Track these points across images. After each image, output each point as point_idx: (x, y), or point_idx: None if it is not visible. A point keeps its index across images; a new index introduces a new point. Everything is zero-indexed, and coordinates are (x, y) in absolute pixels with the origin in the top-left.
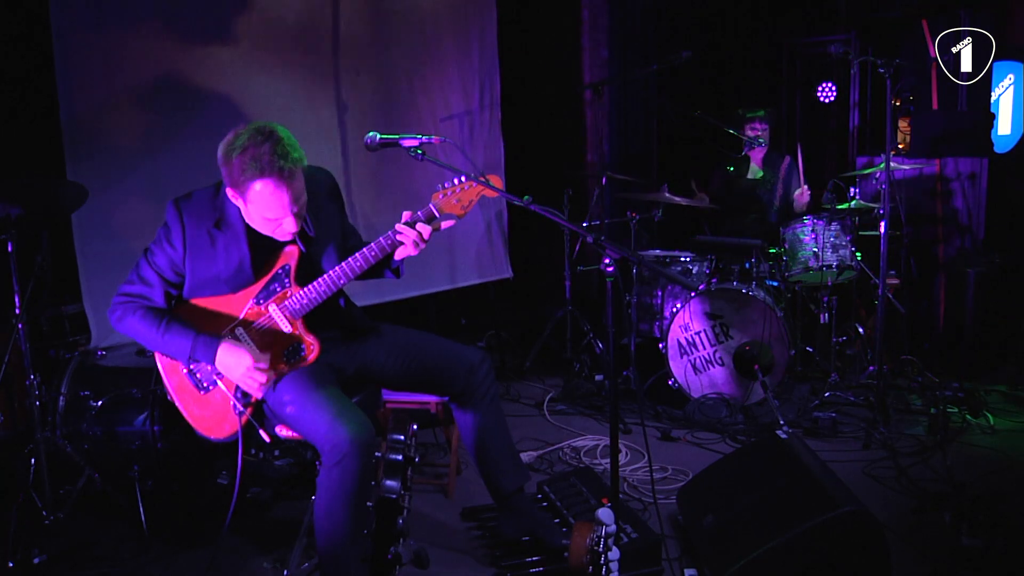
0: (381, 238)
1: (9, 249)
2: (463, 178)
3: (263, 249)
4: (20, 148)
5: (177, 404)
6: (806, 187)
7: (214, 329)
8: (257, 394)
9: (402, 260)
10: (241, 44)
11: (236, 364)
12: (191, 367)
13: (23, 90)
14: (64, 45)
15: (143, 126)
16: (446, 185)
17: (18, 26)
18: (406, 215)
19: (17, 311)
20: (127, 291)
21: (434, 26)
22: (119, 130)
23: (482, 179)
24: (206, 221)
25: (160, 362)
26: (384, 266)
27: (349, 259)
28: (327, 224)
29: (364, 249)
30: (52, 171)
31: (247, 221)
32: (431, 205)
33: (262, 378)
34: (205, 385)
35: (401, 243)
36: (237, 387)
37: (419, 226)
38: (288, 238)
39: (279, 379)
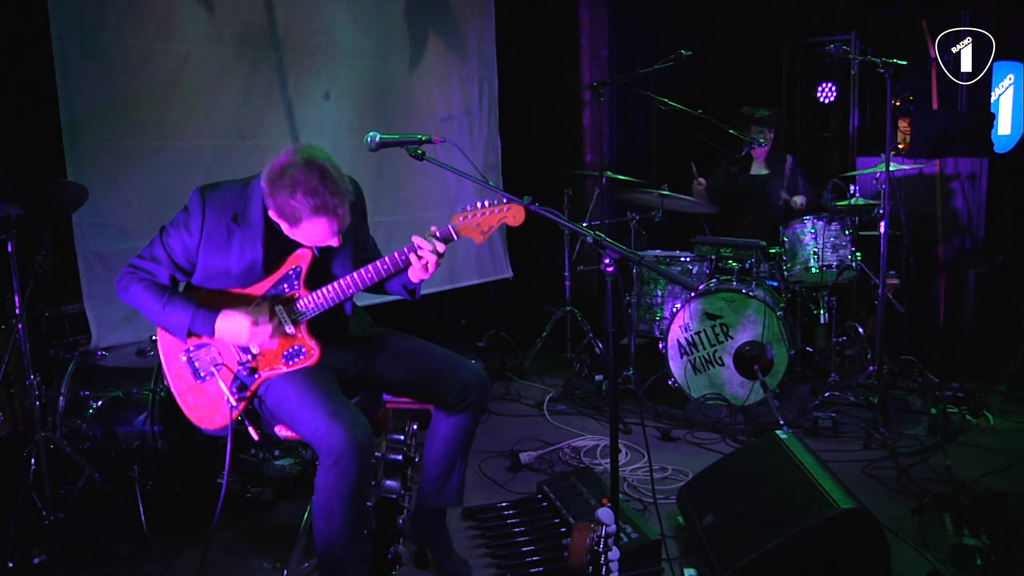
0: (395, 252)
1: (9, 249)
2: (485, 202)
3: (278, 249)
4: (20, 148)
5: (173, 390)
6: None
7: None
8: (272, 345)
9: (419, 282)
10: (239, 45)
11: (236, 328)
12: (190, 355)
13: (23, 90)
14: (64, 45)
15: (143, 126)
16: (467, 208)
17: (18, 26)
18: (429, 233)
19: (17, 311)
20: (136, 264)
21: (433, 26)
22: (119, 130)
23: (506, 205)
24: (227, 214)
25: (161, 347)
26: (400, 284)
27: (361, 269)
28: (346, 232)
29: (377, 261)
30: (52, 171)
31: (286, 234)
32: (450, 227)
33: (267, 329)
34: (202, 375)
35: (420, 257)
36: (233, 381)
37: (436, 243)
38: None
39: (278, 378)
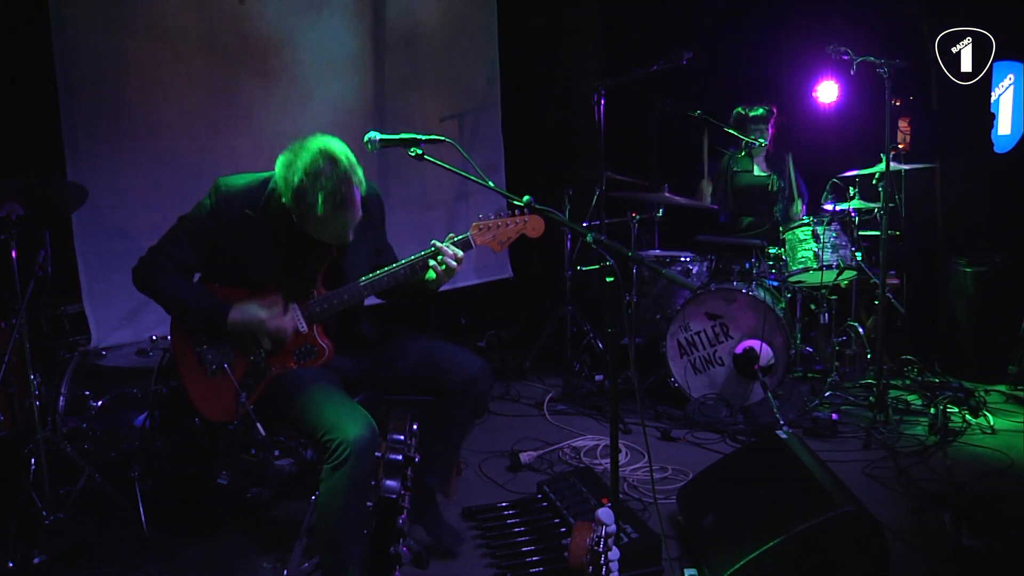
0: (413, 257)
1: (10, 249)
2: (502, 213)
3: (295, 246)
4: (20, 148)
5: (183, 380)
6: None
7: None
8: (287, 336)
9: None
10: (239, 45)
11: (250, 319)
12: (202, 348)
13: (23, 90)
14: (64, 45)
15: (143, 126)
16: (484, 217)
17: (18, 26)
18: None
19: (17, 311)
20: (153, 253)
21: (434, 26)
22: (119, 130)
23: (526, 217)
24: (246, 207)
25: (173, 337)
26: (422, 288)
27: (378, 273)
28: (363, 235)
29: (395, 266)
30: (52, 171)
31: (300, 227)
32: (468, 235)
33: (283, 324)
34: (213, 368)
35: (439, 263)
36: (243, 376)
37: (455, 249)
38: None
39: (284, 377)
